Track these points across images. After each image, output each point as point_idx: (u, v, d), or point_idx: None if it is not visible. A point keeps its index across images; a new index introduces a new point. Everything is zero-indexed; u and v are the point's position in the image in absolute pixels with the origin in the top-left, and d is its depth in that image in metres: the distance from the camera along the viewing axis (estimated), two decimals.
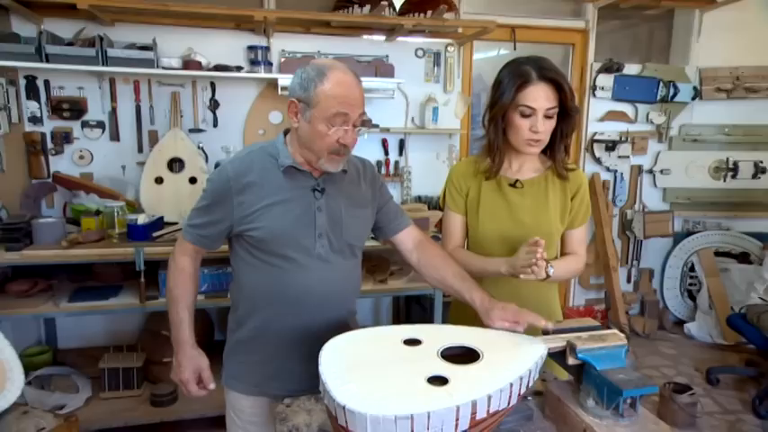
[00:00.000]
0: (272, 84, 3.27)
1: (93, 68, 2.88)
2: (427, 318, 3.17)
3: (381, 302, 3.83)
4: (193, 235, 1.47)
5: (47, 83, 3.03)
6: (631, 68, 4.01)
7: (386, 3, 3.07)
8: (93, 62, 2.85)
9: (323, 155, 1.37)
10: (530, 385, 1.10)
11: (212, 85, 3.27)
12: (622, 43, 4.23)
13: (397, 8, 3.22)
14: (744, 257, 4.20)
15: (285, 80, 3.07)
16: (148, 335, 3.05)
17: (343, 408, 0.89)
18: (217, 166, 2.39)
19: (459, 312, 1.66)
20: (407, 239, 1.61)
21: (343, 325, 1.48)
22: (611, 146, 4.05)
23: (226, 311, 1.63)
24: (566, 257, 1.68)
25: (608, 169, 4.13)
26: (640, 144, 4.11)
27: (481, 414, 0.94)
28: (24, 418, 1.75)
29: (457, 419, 0.90)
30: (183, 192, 3.04)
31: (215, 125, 3.31)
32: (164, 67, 3.00)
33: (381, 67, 3.35)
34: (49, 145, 3.08)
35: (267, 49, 3.23)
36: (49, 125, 3.08)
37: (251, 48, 3.20)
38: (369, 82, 3.18)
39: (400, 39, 3.49)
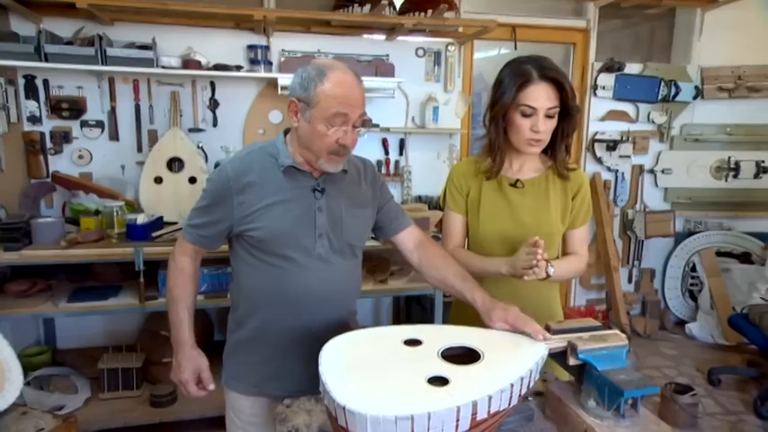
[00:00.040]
0: (272, 83, 3.26)
1: (92, 68, 2.87)
2: (427, 318, 3.16)
3: (382, 303, 3.82)
4: (193, 235, 1.46)
5: (46, 82, 3.03)
6: (632, 68, 4.00)
7: (386, 2, 3.06)
8: (93, 61, 2.84)
9: (322, 155, 1.36)
10: (530, 386, 1.09)
11: (212, 85, 3.26)
12: (623, 42, 4.22)
13: (398, 7, 3.20)
14: (745, 257, 4.19)
15: (285, 80, 3.06)
16: (148, 335, 3.05)
17: (344, 408, 0.89)
18: (216, 165, 2.38)
19: (460, 312, 1.65)
20: (408, 239, 1.61)
21: (344, 325, 1.48)
22: (612, 145, 4.04)
23: (225, 312, 1.62)
24: (567, 257, 1.67)
25: (609, 169, 4.12)
26: (641, 144, 4.10)
27: (482, 414, 0.94)
28: (23, 419, 1.74)
29: (457, 420, 0.90)
30: (182, 191, 3.04)
31: (215, 125, 3.30)
32: (163, 67, 2.99)
33: (381, 67, 3.34)
34: (48, 144, 3.08)
35: (267, 48, 3.22)
36: (48, 125, 3.07)
37: (251, 47, 3.19)
38: (369, 81, 3.17)
39: (400, 38, 3.48)
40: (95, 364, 2.85)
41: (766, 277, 3.71)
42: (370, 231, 1.61)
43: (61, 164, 3.12)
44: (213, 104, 3.28)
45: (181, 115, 3.21)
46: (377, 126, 3.44)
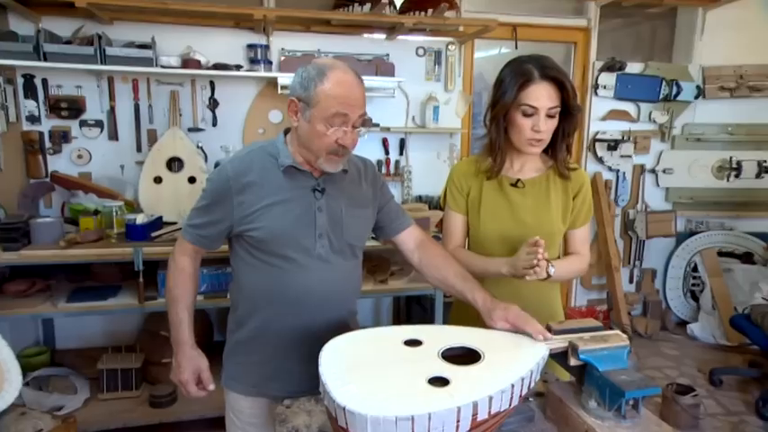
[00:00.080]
0: (272, 83, 3.25)
1: (91, 67, 2.87)
2: (428, 318, 3.15)
3: (382, 303, 3.82)
4: (193, 235, 1.46)
5: (45, 81, 3.02)
6: (634, 67, 3.99)
7: (386, 1, 3.06)
8: (92, 61, 2.83)
9: (321, 155, 1.36)
10: (531, 386, 1.09)
11: (211, 84, 3.25)
12: (625, 42, 4.21)
13: (398, 6, 3.20)
14: (747, 257, 4.19)
15: (285, 79, 3.06)
16: (147, 335, 3.04)
17: (344, 409, 0.89)
18: (216, 165, 2.38)
19: (461, 313, 1.65)
20: (409, 239, 1.60)
21: (344, 325, 1.47)
22: (613, 145, 4.03)
23: (225, 312, 1.62)
24: (568, 257, 1.67)
25: (610, 169, 4.11)
26: (643, 143, 4.10)
27: (482, 415, 0.93)
28: (22, 420, 1.73)
29: (458, 421, 0.90)
30: (181, 191, 3.03)
31: (214, 124, 3.30)
32: (163, 66, 2.99)
33: (382, 66, 3.33)
34: (47, 144, 3.07)
35: (267, 47, 3.22)
36: (47, 124, 3.07)
37: (250, 46, 3.19)
38: (369, 81, 3.15)
39: (401, 37, 3.47)
40: (94, 364, 2.84)
41: None
42: (371, 231, 1.60)
43: (60, 163, 3.11)
44: (213, 104, 3.27)
45: (180, 115, 3.20)
46: (377, 126, 3.43)
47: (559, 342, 1.19)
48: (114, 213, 2.79)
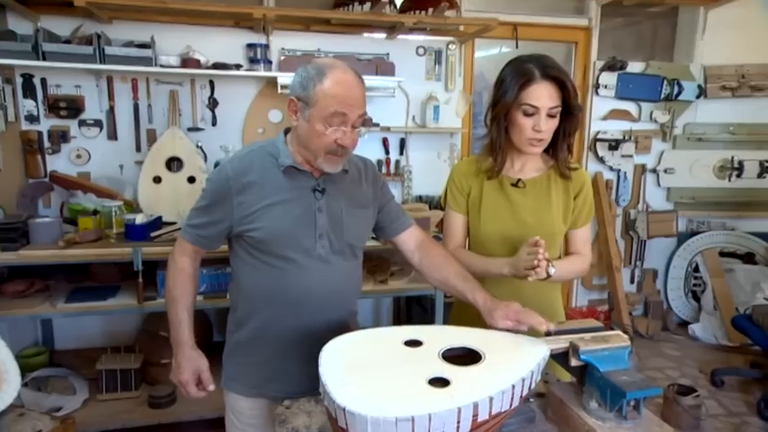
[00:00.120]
0: (272, 82, 3.25)
1: (90, 66, 2.86)
2: (428, 318, 3.15)
3: (382, 303, 3.81)
4: (193, 235, 1.46)
5: (43, 81, 3.01)
6: (635, 66, 3.98)
7: (386, 0, 3.05)
8: (91, 60, 2.83)
9: (320, 154, 1.35)
10: (532, 387, 1.09)
11: (211, 84, 3.25)
12: (626, 41, 4.20)
13: (398, 6, 3.20)
14: (749, 258, 4.18)
15: (285, 78, 3.05)
16: (146, 336, 3.03)
17: (344, 409, 0.89)
18: (216, 165, 2.38)
19: (461, 313, 1.64)
20: (409, 240, 1.60)
21: (344, 326, 1.47)
22: (614, 145, 4.02)
23: (224, 312, 1.61)
24: (569, 257, 1.66)
25: (611, 168, 4.11)
26: (644, 143, 4.09)
27: (483, 416, 0.93)
28: (21, 421, 1.72)
29: (458, 421, 0.90)
30: (181, 191, 3.02)
31: (214, 124, 3.29)
32: (162, 66, 2.98)
33: (382, 66, 3.33)
34: (46, 144, 3.07)
35: (266, 47, 3.21)
36: (45, 124, 3.06)
37: (250, 46, 3.18)
38: (369, 80, 3.13)
39: (401, 37, 3.46)
40: (93, 364, 2.84)
41: None
42: (371, 231, 1.60)
43: (59, 163, 3.10)
44: (212, 104, 3.27)
45: (180, 114, 3.19)
46: (377, 125, 3.42)
47: (560, 342, 1.19)
48: (113, 213, 2.78)
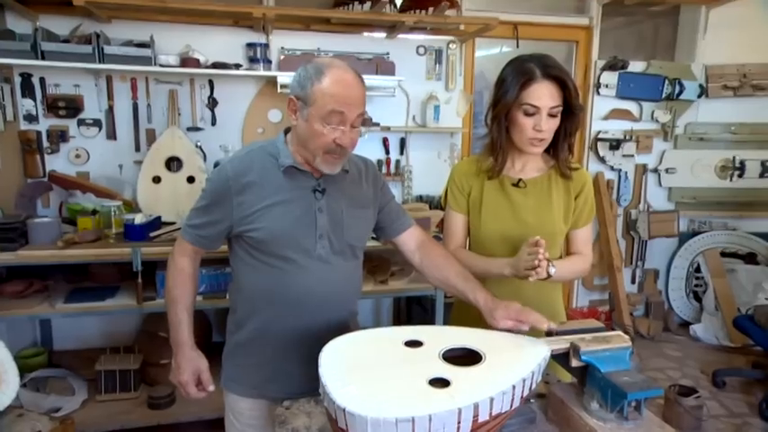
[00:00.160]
0: (272, 81, 3.24)
1: (89, 66, 2.85)
2: (428, 319, 3.14)
3: (382, 303, 3.81)
4: (192, 235, 1.45)
5: (42, 80, 3.01)
6: (636, 66, 3.98)
7: None
8: (90, 59, 2.82)
9: (318, 154, 1.34)
10: (532, 387, 1.09)
11: (210, 83, 3.24)
12: (627, 40, 4.20)
13: (398, 5, 3.19)
14: (751, 258, 4.17)
15: (284, 78, 3.05)
16: (146, 336, 3.03)
17: (344, 410, 0.89)
18: (216, 165, 2.38)
19: (462, 313, 1.64)
20: (410, 240, 1.60)
21: (344, 326, 1.47)
22: (615, 144, 4.01)
23: (224, 313, 1.61)
24: (570, 257, 1.66)
25: (612, 168, 4.10)
26: (645, 143, 4.08)
27: (483, 417, 0.93)
28: (19, 421, 1.72)
29: (459, 422, 0.90)
30: (180, 191, 3.02)
31: (213, 123, 3.28)
32: (161, 65, 2.98)
33: (382, 65, 3.32)
34: (45, 144, 3.06)
35: (266, 46, 3.20)
36: (44, 123, 3.05)
37: (250, 45, 3.17)
38: (369, 80, 3.12)
39: (401, 36, 3.46)
40: (92, 365, 2.83)
41: None
42: (372, 232, 1.60)
43: (58, 163, 3.10)
44: (212, 103, 3.26)
45: (179, 114, 3.19)
46: (377, 125, 3.41)
47: (561, 343, 1.18)
48: (112, 213, 2.78)
